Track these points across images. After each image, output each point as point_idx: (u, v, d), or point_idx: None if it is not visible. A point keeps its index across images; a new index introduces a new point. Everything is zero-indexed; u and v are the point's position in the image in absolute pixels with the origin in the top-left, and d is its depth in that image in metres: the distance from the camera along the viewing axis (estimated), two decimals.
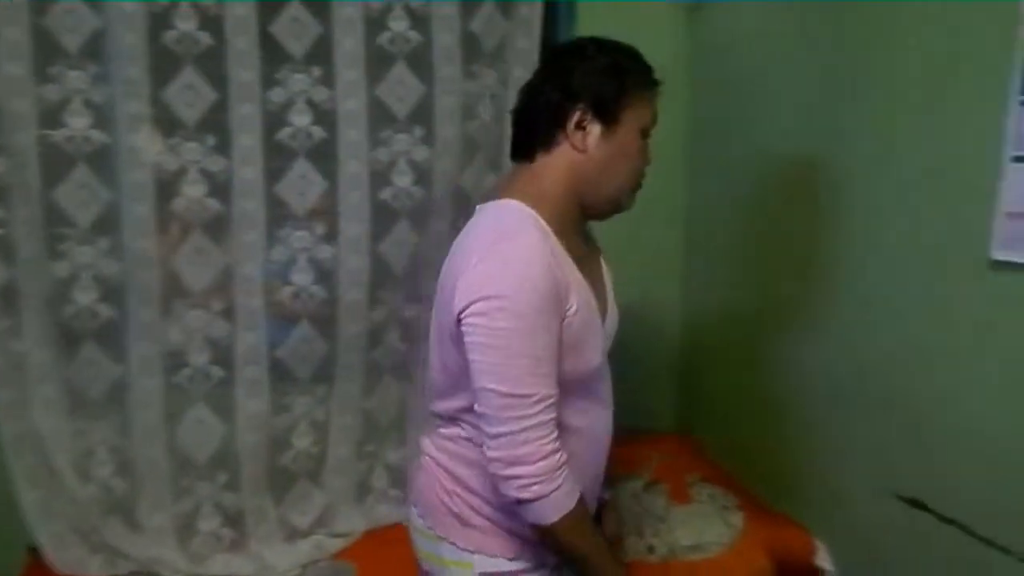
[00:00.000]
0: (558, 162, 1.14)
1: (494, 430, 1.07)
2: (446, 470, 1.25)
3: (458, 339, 1.09)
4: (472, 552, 1.21)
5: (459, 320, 1.07)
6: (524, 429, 1.05)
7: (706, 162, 2.35)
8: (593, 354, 1.17)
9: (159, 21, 1.74)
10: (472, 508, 1.22)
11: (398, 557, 1.90)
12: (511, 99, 2.07)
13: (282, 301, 1.96)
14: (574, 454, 1.13)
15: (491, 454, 1.08)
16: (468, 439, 1.21)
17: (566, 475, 1.09)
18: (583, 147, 1.13)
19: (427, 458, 1.30)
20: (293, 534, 2.01)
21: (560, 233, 1.12)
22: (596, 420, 1.25)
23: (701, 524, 1.88)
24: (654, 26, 2.34)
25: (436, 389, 1.26)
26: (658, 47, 2.31)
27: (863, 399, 1.74)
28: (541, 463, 1.06)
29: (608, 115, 1.12)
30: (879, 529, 1.71)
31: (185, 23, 1.76)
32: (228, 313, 1.92)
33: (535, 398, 1.05)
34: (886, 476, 1.68)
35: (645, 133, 1.18)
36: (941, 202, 1.51)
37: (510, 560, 1.21)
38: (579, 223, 1.22)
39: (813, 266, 1.89)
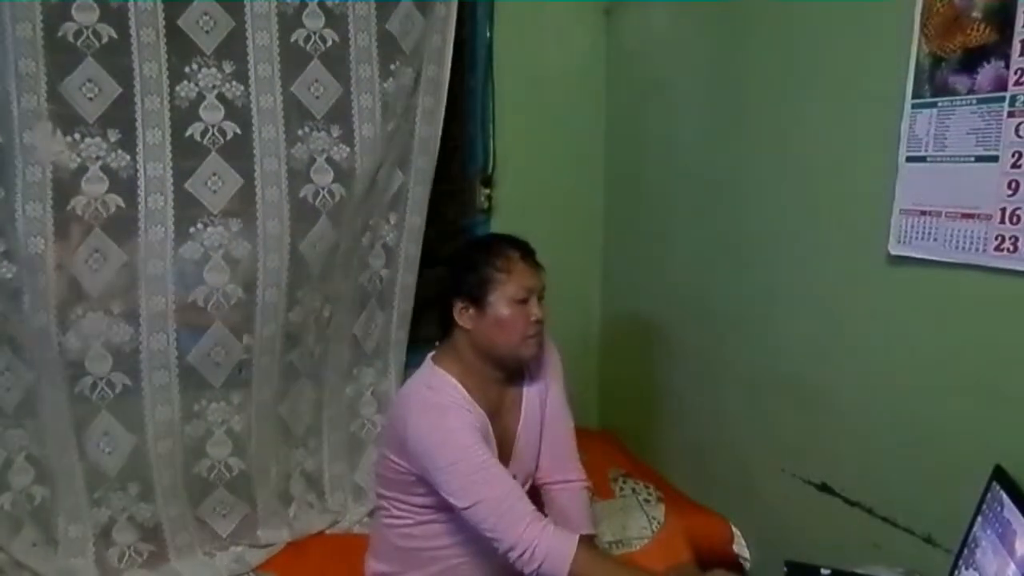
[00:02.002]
0: (461, 339, 1.50)
1: (486, 534, 1.34)
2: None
3: (405, 456, 1.45)
4: None
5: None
6: (497, 524, 1.32)
7: (623, 162, 2.40)
8: None
9: (56, 13, 1.66)
10: None
11: (322, 567, 1.88)
12: (421, 95, 2.07)
13: (194, 302, 1.85)
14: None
15: (499, 548, 1.33)
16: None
17: (547, 538, 1.30)
18: (468, 326, 1.47)
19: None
20: (213, 546, 1.93)
21: (476, 391, 1.48)
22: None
23: (624, 519, 1.91)
24: (569, 28, 2.37)
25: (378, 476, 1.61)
26: (574, 49, 2.40)
27: (774, 390, 1.81)
28: (524, 540, 1.29)
29: (478, 300, 1.45)
30: (791, 514, 1.78)
31: (85, 15, 1.68)
32: (131, 316, 1.81)
33: (492, 499, 1.33)
34: (796, 463, 1.76)
35: (521, 300, 1.45)
36: (842, 199, 1.59)
37: None
38: (498, 375, 1.54)
39: (723, 264, 1.96)
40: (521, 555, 1.29)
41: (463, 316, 1.47)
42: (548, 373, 1.65)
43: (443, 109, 2.14)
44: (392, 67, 2.01)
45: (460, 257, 1.53)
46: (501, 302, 1.45)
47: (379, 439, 2.06)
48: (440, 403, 1.43)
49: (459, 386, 1.47)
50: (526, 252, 1.50)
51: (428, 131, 2.13)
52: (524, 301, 1.46)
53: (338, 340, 2.13)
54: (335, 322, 2.10)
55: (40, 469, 1.80)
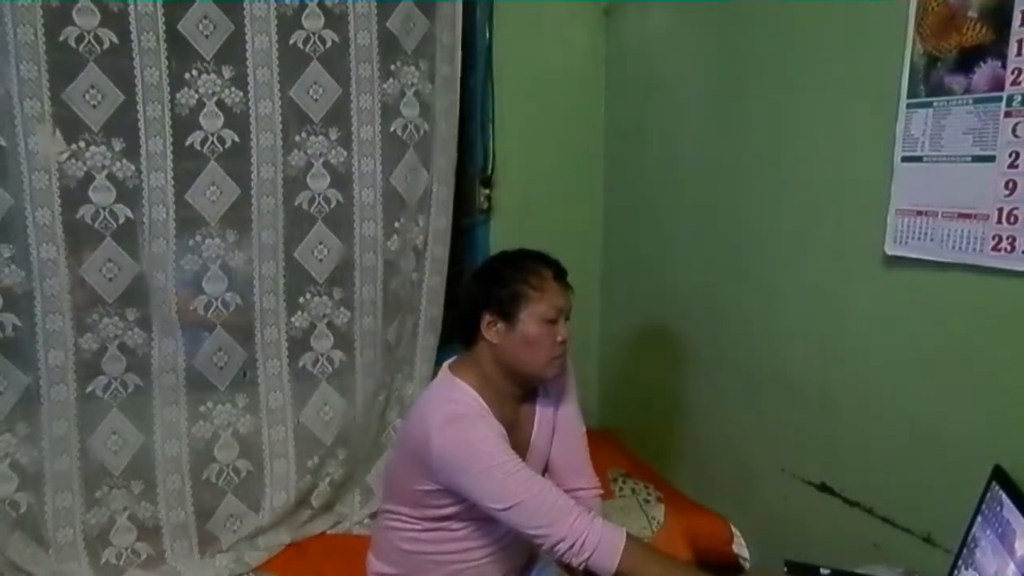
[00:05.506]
0: (484, 352, 1.47)
1: (527, 533, 1.32)
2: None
3: (425, 471, 1.40)
4: None
5: (443, 480, 1.39)
6: (543, 520, 1.30)
7: (623, 162, 2.40)
8: None
9: (57, 17, 1.67)
10: None
11: (322, 567, 1.88)
12: (438, 95, 2.08)
13: (196, 309, 1.90)
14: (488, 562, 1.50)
15: (543, 547, 1.32)
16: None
17: (597, 529, 1.29)
18: (495, 341, 1.45)
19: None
20: (212, 548, 1.94)
21: (493, 405, 1.45)
22: (502, 533, 1.50)
23: (623, 519, 1.91)
24: (570, 28, 2.38)
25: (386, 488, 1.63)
26: (574, 49, 2.40)
27: (773, 390, 1.81)
28: (574, 531, 1.28)
29: (508, 315, 1.43)
30: (791, 514, 1.78)
31: (86, 19, 1.69)
32: (143, 321, 1.85)
33: (534, 497, 1.31)
34: (796, 463, 1.76)
35: (550, 320, 1.44)
36: (838, 201, 1.59)
37: None
38: (515, 391, 1.52)
39: (722, 264, 1.96)
40: (571, 547, 1.28)
41: (490, 330, 1.45)
42: (562, 389, 1.64)
43: (458, 107, 2.14)
44: (392, 67, 2.02)
45: (491, 270, 1.51)
46: (531, 320, 1.43)
47: (392, 453, 1.97)
48: (465, 413, 1.42)
49: (479, 398, 1.46)
50: (559, 271, 1.49)
51: (447, 129, 2.13)
52: (553, 321, 1.45)
53: (369, 347, 2.11)
54: (362, 329, 2.09)
55: (24, 476, 1.79)
